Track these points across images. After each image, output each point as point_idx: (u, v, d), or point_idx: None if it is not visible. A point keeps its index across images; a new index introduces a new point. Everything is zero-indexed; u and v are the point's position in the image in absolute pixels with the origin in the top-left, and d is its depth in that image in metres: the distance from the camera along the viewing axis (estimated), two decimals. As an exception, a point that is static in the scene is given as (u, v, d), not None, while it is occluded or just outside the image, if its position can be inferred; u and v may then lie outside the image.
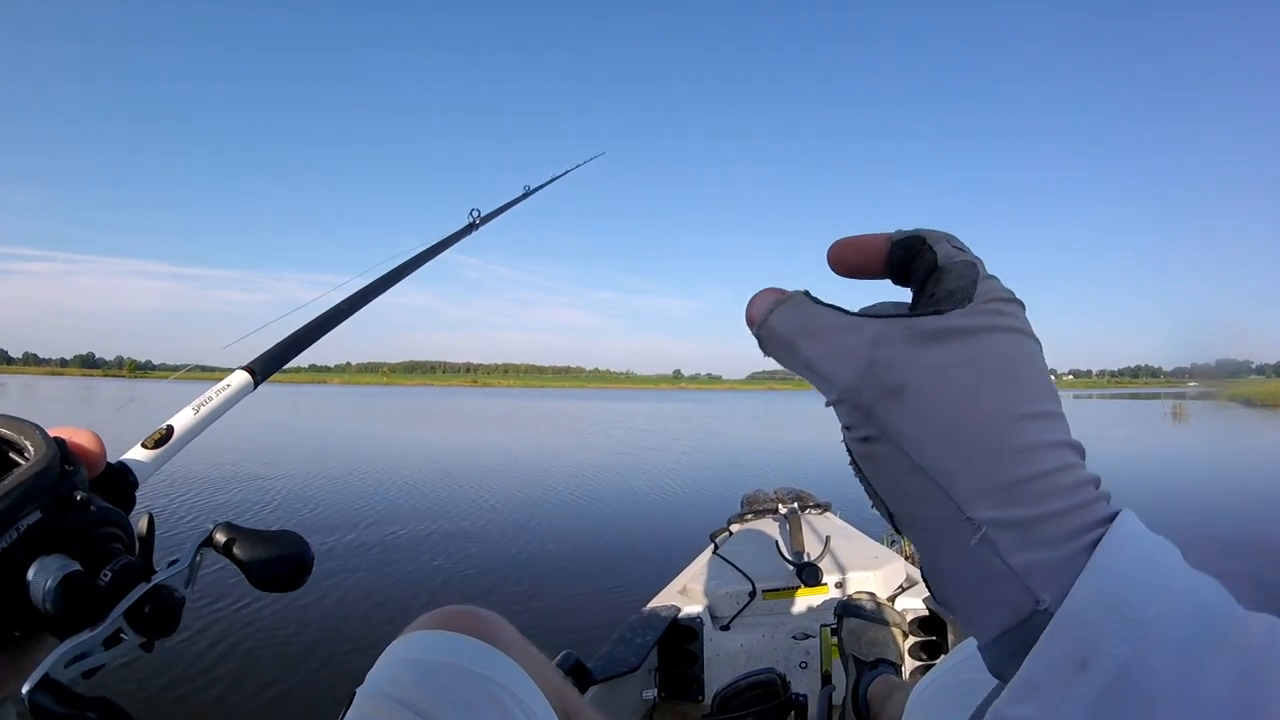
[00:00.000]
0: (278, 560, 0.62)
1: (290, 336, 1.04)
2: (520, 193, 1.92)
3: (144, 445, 0.71)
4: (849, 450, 0.38)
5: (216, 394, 0.83)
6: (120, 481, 0.65)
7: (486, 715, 0.76)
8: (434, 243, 1.46)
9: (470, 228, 1.61)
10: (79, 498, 0.53)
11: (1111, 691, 0.25)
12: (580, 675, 1.78)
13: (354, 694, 0.79)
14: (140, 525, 0.59)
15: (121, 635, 0.54)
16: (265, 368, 0.94)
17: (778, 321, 0.38)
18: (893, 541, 4.06)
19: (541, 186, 2.03)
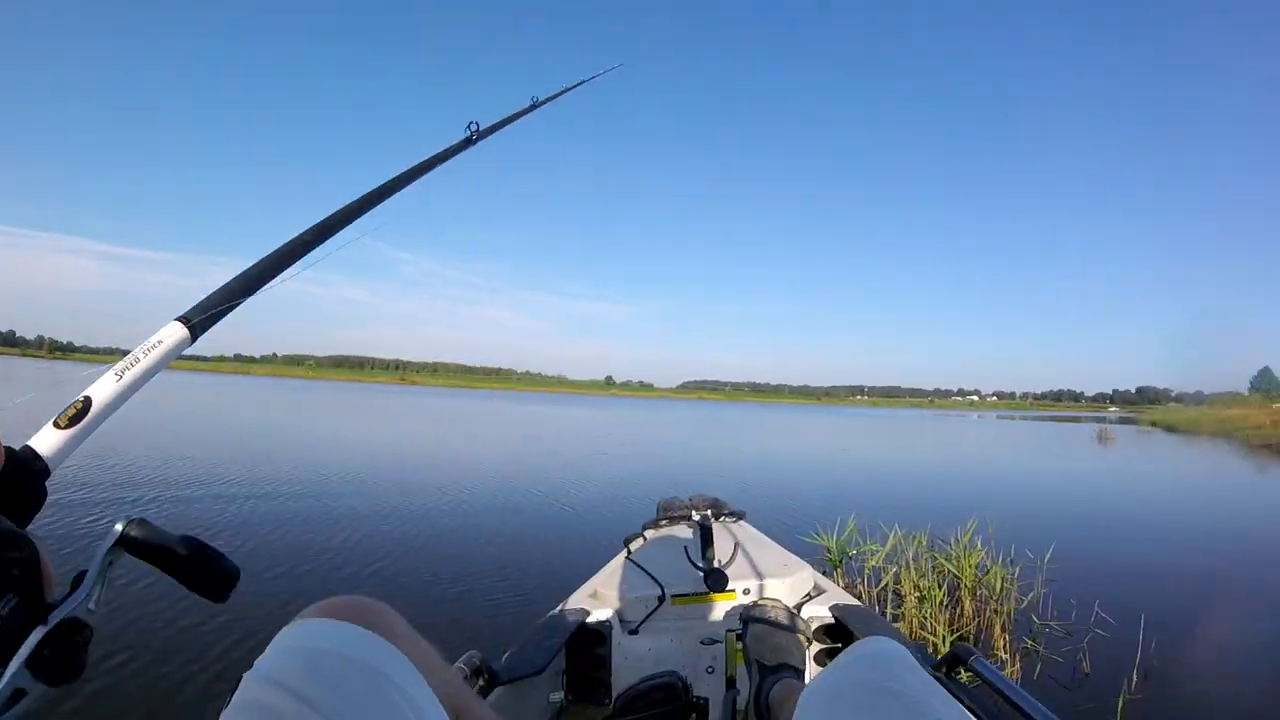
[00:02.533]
0: (205, 565, 0.62)
1: (238, 276, 0.94)
2: (527, 104, 1.78)
3: (55, 424, 0.66)
4: None
5: (145, 353, 0.77)
6: (26, 473, 0.59)
7: (368, 703, 0.75)
8: (426, 157, 1.37)
9: (467, 142, 1.50)
10: None
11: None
12: (486, 676, 1.77)
13: (240, 680, 0.77)
14: (29, 552, 0.52)
15: (24, 690, 0.51)
16: (205, 314, 0.86)
17: None
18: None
19: (552, 98, 1.89)
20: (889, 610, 5.25)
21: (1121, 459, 24.43)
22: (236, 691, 0.74)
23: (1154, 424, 62.58)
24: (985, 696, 1.48)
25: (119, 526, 0.58)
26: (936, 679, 1.41)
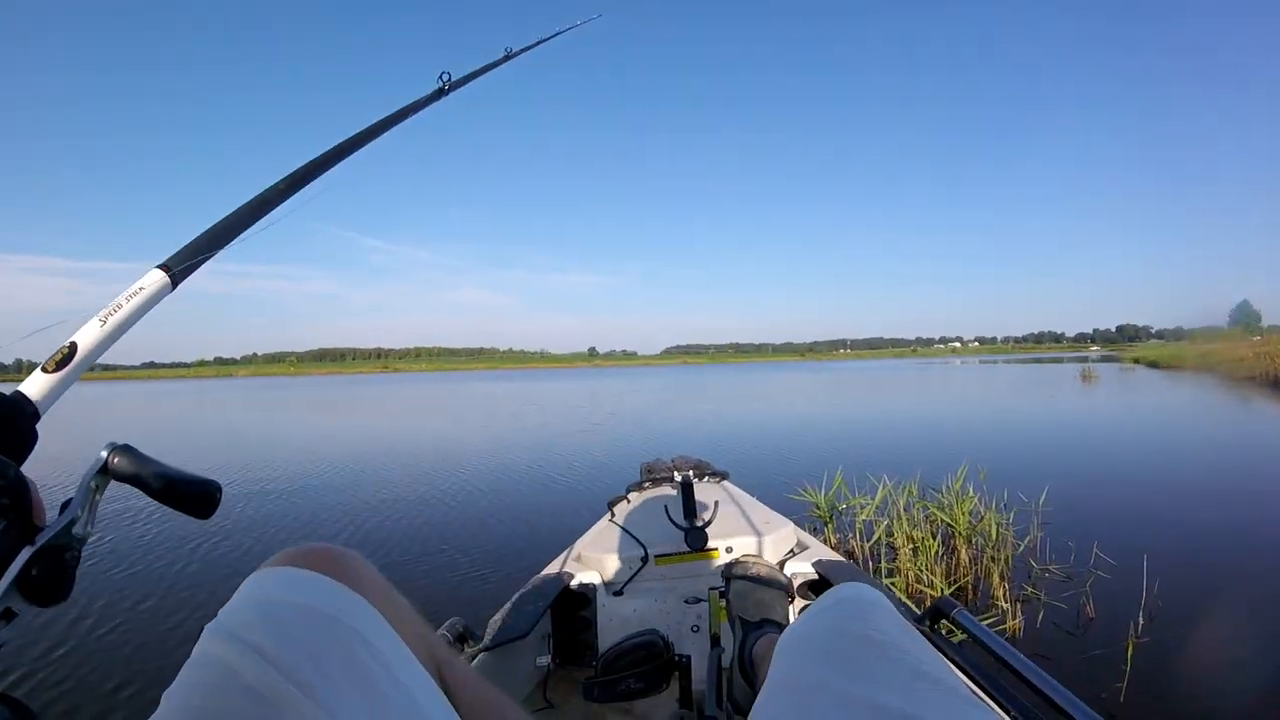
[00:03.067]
0: (187, 483, 0.63)
1: (214, 226, 0.94)
2: (500, 55, 1.73)
3: (44, 369, 0.68)
4: None
5: (127, 299, 0.78)
6: (15, 414, 0.61)
7: (332, 660, 0.71)
8: (397, 109, 1.34)
9: (440, 93, 1.46)
10: None
11: None
12: (470, 641, 1.79)
13: (203, 630, 0.74)
14: (9, 475, 0.55)
15: (13, 611, 0.53)
16: (185, 264, 0.86)
17: None
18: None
19: (527, 48, 1.83)
20: (883, 565, 5.10)
21: (1107, 397, 24.29)
22: (197, 643, 0.71)
23: (1136, 361, 62.85)
24: (970, 650, 1.45)
25: (104, 453, 0.60)
26: (920, 632, 1.41)
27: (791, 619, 1.94)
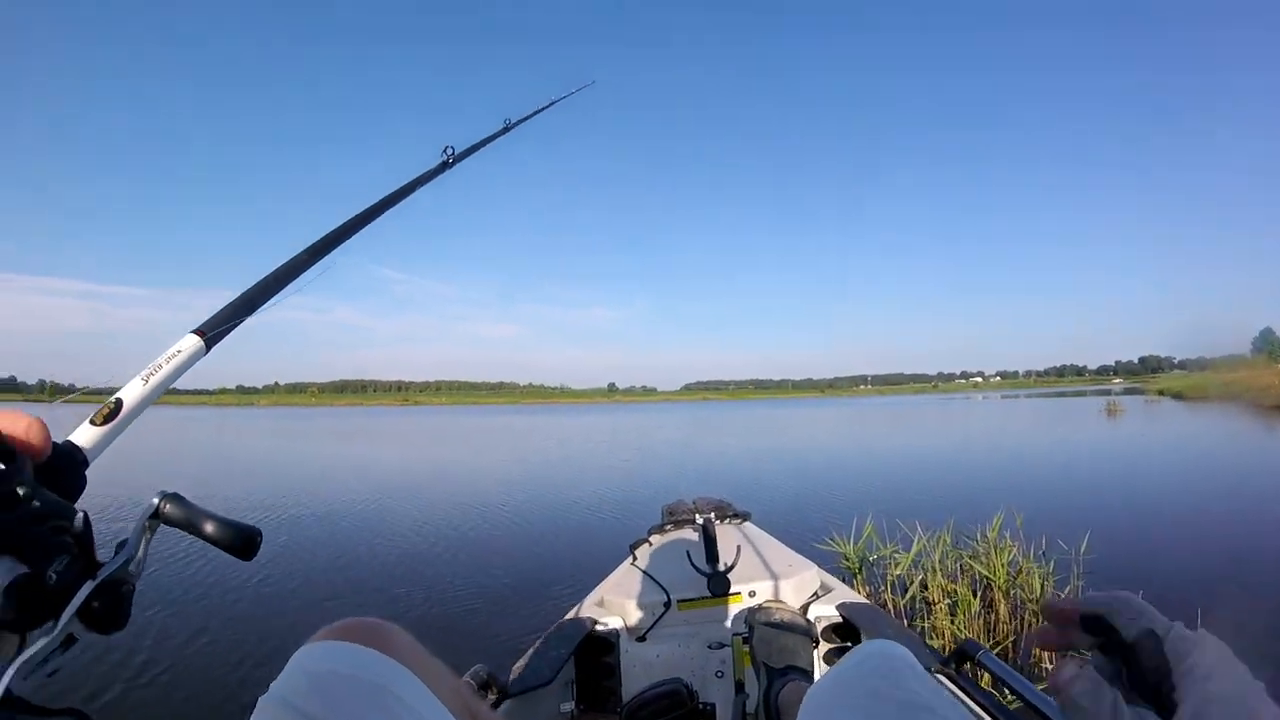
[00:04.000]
0: (231, 526, 0.65)
1: (244, 294, 1.01)
2: (500, 126, 1.83)
3: (92, 422, 0.72)
4: None
5: (166, 361, 0.84)
6: (69, 463, 0.64)
7: (373, 718, 0.78)
8: (404, 183, 1.41)
9: (444, 166, 1.54)
10: (21, 493, 0.52)
11: None
12: (494, 689, 1.75)
13: (257, 701, 0.80)
14: (78, 521, 0.58)
15: (75, 637, 0.55)
16: (217, 329, 0.92)
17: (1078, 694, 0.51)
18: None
19: (525, 119, 1.94)
20: (920, 622, 4.85)
21: (1138, 432, 23.84)
22: (253, 714, 0.78)
23: (1160, 393, 62.01)
24: (992, 692, 1.46)
25: (155, 500, 0.64)
26: (945, 675, 1.52)
27: (816, 664, 1.97)
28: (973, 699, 1.43)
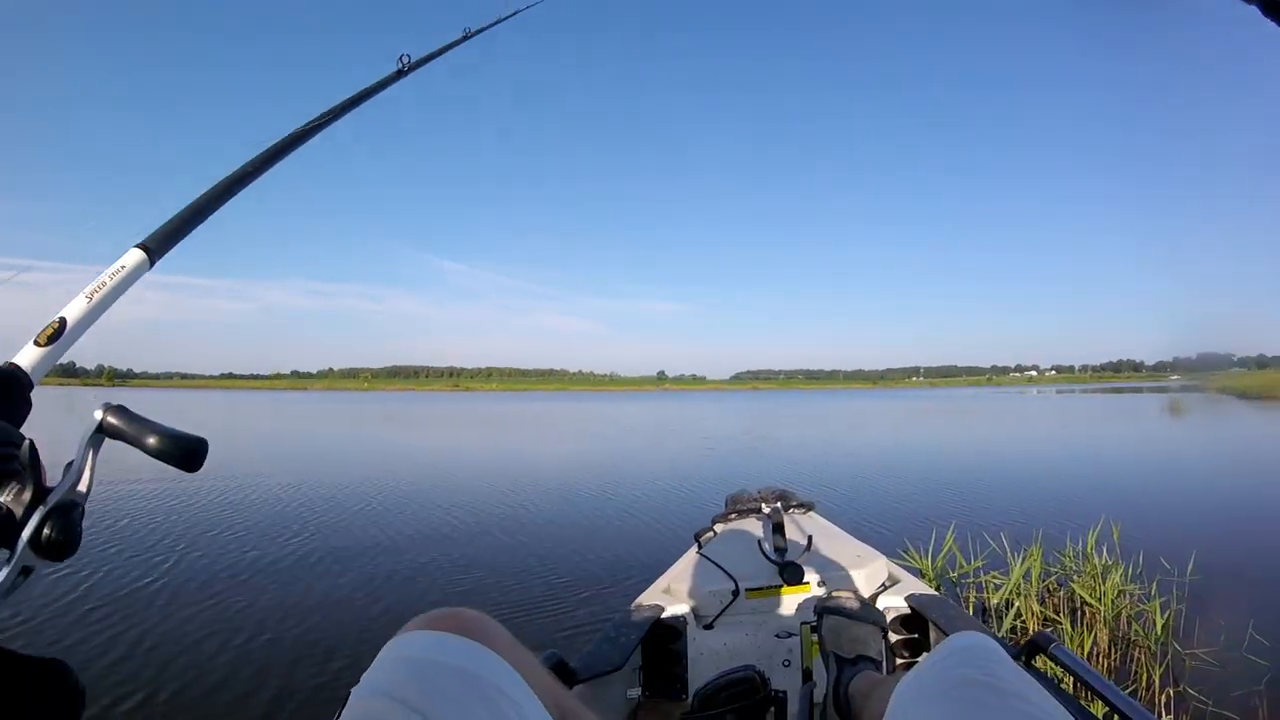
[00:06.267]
0: (176, 439, 0.63)
1: (190, 206, 0.98)
2: (460, 35, 1.77)
3: (35, 343, 0.71)
4: None
5: (110, 278, 0.82)
6: (12, 386, 0.66)
7: (473, 709, 0.77)
8: (357, 91, 1.38)
9: (399, 74, 1.49)
10: None
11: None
12: (564, 674, 1.73)
13: (349, 695, 0.79)
14: (24, 448, 0.58)
15: (30, 568, 0.56)
16: (162, 244, 0.90)
17: None
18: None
19: (485, 28, 1.88)
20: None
21: (1213, 433, 22.88)
22: (345, 707, 0.77)
23: (1222, 390, 60.07)
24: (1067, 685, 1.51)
25: (98, 413, 0.63)
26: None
27: (887, 655, 2.00)
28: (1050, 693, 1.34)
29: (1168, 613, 4.56)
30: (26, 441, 0.58)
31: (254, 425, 31.72)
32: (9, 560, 0.53)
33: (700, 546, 2.68)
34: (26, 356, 0.69)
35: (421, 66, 1.54)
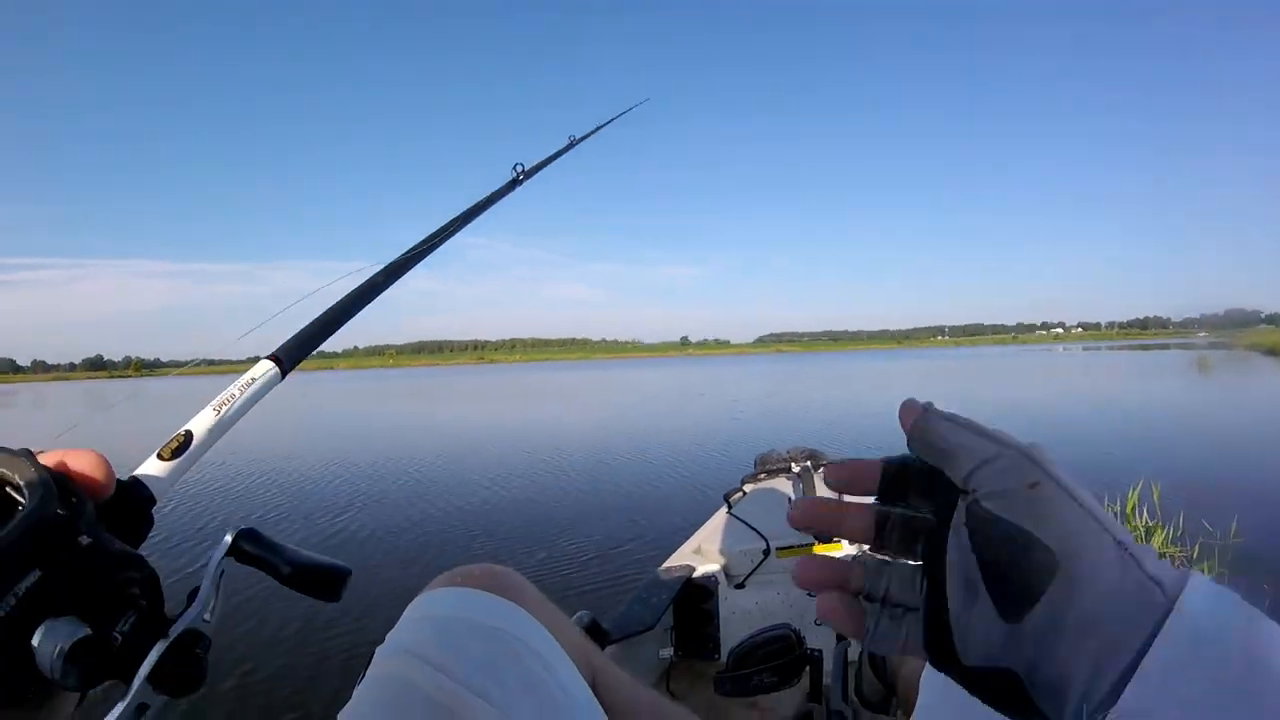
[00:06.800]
0: (316, 568, 0.60)
1: (319, 318, 0.98)
2: (565, 143, 1.84)
3: (159, 456, 0.65)
4: (974, 513, 0.38)
5: (240, 389, 0.76)
6: (134, 501, 0.59)
7: (505, 669, 0.76)
8: (476, 201, 1.42)
9: (514, 183, 1.53)
10: (84, 543, 0.48)
11: (1235, 669, 0.32)
12: (597, 635, 1.76)
13: (374, 653, 0.79)
14: (145, 571, 0.52)
15: (147, 704, 0.50)
16: (293, 354, 0.87)
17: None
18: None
19: (587, 136, 1.97)
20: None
21: (1246, 392, 22.40)
22: (370, 666, 0.77)
23: (1251, 348, 59.21)
24: None
25: (228, 538, 0.59)
26: None
27: None
28: None
29: (1222, 582, 4.43)
30: (147, 567, 0.52)
31: (291, 405, 31.92)
32: (124, 696, 0.48)
33: (730, 507, 2.70)
34: (149, 470, 0.64)
35: (535, 174, 1.61)
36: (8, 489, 0.46)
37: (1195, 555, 4.66)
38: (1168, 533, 4.85)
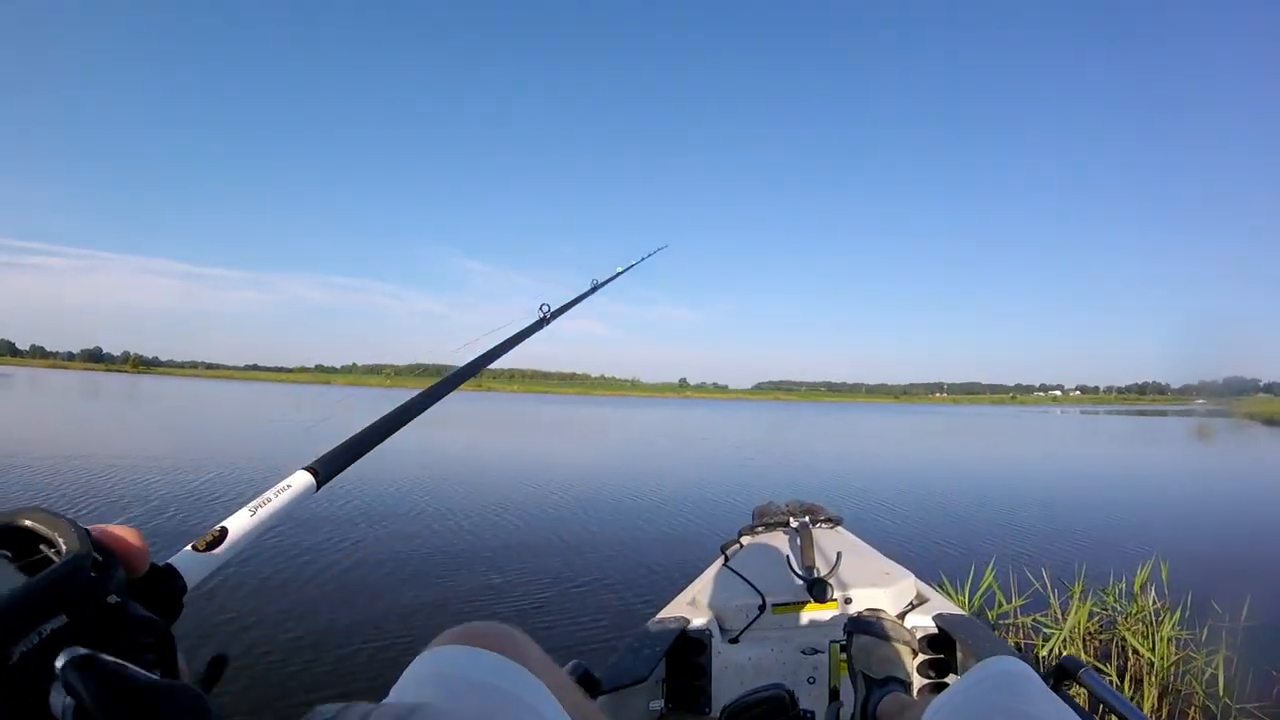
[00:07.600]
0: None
1: (356, 436, 1.01)
2: (588, 287, 2.02)
3: (195, 547, 0.69)
4: None
5: (275, 495, 0.80)
6: (166, 584, 0.62)
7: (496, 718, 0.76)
8: (506, 337, 1.55)
9: (541, 322, 1.68)
10: (112, 602, 0.50)
11: None
12: (589, 684, 1.75)
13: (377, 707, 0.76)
14: (164, 638, 0.53)
15: None
16: (329, 468, 0.90)
17: None
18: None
19: (608, 281, 2.14)
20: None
21: (1248, 463, 22.31)
22: None
23: (1249, 416, 59.33)
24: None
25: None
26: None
27: (914, 675, 1.96)
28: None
29: (1231, 668, 4.23)
30: (164, 629, 0.52)
31: (288, 416, 31.71)
32: None
33: (727, 559, 2.68)
34: (184, 560, 0.65)
35: (560, 315, 1.76)
36: (42, 546, 0.48)
37: (1204, 638, 4.48)
38: (1176, 615, 4.65)
